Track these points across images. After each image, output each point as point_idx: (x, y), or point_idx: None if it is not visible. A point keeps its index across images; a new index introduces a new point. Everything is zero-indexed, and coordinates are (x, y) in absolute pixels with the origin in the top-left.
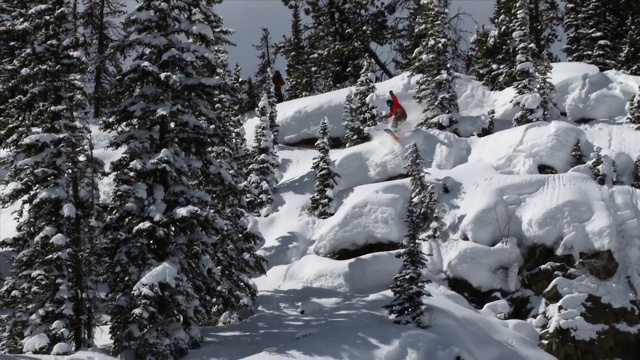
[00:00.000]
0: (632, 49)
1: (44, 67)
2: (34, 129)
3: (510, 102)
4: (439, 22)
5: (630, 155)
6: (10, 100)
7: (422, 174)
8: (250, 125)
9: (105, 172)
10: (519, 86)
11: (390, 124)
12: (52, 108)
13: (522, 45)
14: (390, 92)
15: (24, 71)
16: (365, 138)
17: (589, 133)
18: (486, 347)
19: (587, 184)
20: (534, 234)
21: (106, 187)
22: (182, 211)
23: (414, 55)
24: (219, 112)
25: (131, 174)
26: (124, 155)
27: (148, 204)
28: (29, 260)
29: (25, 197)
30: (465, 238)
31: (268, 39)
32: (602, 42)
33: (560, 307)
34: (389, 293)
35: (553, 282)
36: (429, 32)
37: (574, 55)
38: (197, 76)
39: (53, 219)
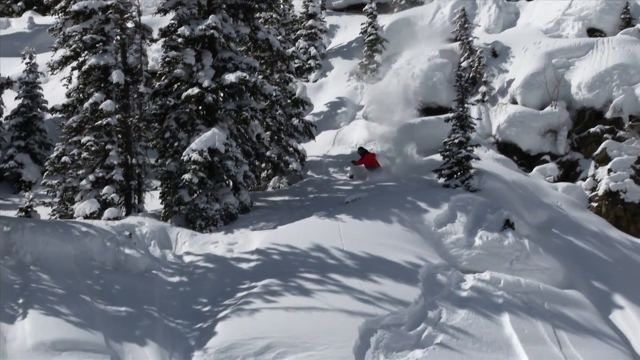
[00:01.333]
0: None
1: None
2: None
3: None
4: None
5: None
6: None
7: (470, 39)
8: None
9: (153, 39)
10: None
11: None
12: None
13: None
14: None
15: None
16: (414, 2)
17: None
18: (535, 210)
19: (636, 47)
20: (583, 97)
21: (154, 53)
22: (230, 77)
23: None
24: None
25: (179, 40)
26: (172, 21)
27: (196, 70)
28: (78, 126)
29: (74, 63)
30: (514, 102)
31: None
32: None
33: (609, 170)
34: (437, 157)
35: (602, 145)
36: None
37: None
38: None
39: (102, 85)
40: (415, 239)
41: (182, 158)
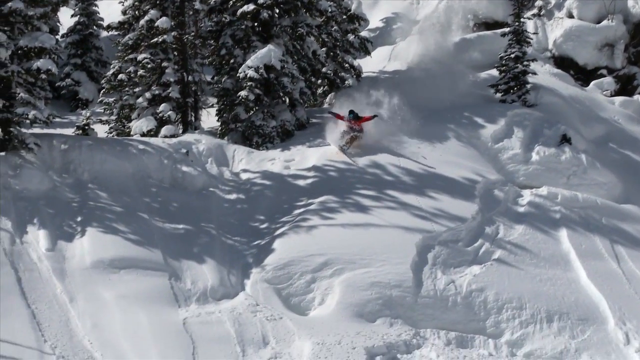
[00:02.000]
0: None
1: None
2: None
3: None
4: None
5: None
6: None
7: None
8: None
9: None
10: None
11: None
12: None
13: None
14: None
15: None
16: None
17: None
18: (592, 125)
19: None
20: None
21: None
22: None
23: None
24: None
25: None
26: None
27: None
28: (134, 43)
29: None
30: (571, 16)
31: None
32: None
33: None
34: (494, 72)
35: None
36: None
37: None
38: None
39: (158, 2)
40: (472, 155)
41: (238, 75)
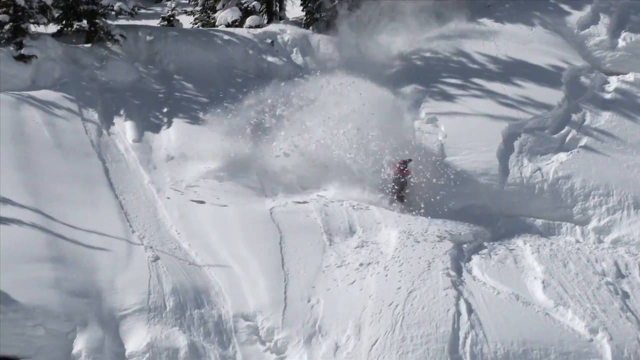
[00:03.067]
0: None
1: None
2: None
3: None
4: None
5: None
6: None
7: None
8: None
9: None
10: None
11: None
12: None
13: None
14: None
15: None
16: None
17: None
18: None
19: None
20: None
21: None
22: None
23: None
24: None
25: None
26: None
27: None
28: None
29: None
30: None
31: None
32: None
33: None
34: None
35: None
36: None
37: None
38: None
39: None
40: (558, 42)
41: None
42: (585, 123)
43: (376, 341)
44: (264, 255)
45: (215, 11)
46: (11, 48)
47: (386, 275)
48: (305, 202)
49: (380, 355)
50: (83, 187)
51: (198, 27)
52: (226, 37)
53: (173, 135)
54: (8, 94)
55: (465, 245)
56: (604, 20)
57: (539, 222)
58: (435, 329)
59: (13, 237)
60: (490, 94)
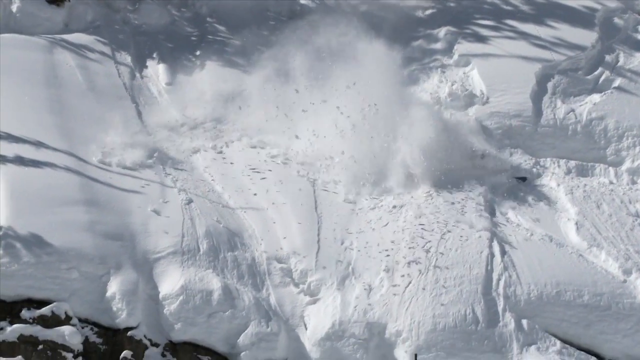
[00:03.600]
0: None
1: None
2: None
3: None
4: None
5: None
6: None
7: None
8: None
9: None
10: None
11: None
12: None
13: None
14: None
15: None
16: None
17: None
18: None
19: None
20: None
21: None
22: None
23: None
24: None
25: None
26: None
27: None
28: None
29: None
30: None
31: None
32: None
33: None
34: None
35: None
36: None
37: None
38: None
39: None
40: None
41: None
42: (619, 64)
43: (409, 283)
44: (297, 198)
45: None
46: None
47: (419, 217)
48: None
49: (414, 297)
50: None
51: None
52: None
53: (206, 77)
54: (41, 37)
55: (498, 188)
56: None
57: (572, 163)
58: (469, 271)
59: (46, 180)
60: (524, 36)
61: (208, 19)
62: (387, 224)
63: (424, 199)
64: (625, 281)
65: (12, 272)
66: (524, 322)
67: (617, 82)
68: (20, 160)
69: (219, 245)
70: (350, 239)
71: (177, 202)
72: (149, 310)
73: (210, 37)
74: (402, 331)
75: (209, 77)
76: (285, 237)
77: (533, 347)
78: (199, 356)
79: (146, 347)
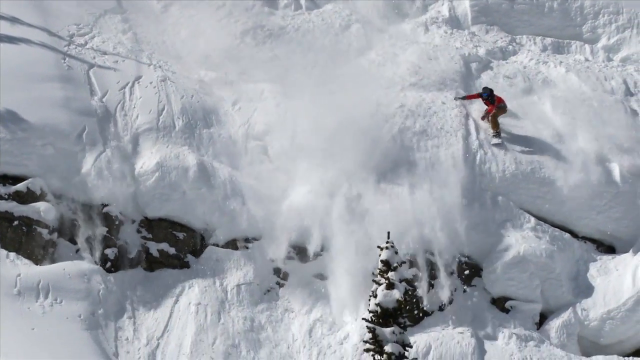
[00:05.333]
0: None
1: None
2: None
3: None
4: None
5: None
6: None
7: None
8: None
9: None
10: None
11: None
12: None
13: None
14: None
15: None
16: None
17: None
18: None
19: None
20: None
21: None
22: None
23: None
24: None
25: None
26: None
27: None
28: None
29: None
30: None
31: None
32: None
33: None
34: None
35: None
36: None
37: None
38: None
39: None
40: None
41: None
42: None
43: None
44: (273, 74)
45: None
46: None
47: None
48: None
49: None
50: (89, 10)
51: None
52: None
53: None
54: None
55: (474, 65)
56: None
57: (548, 40)
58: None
59: (22, 56)
60: None
61: None
62: None
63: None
64: (600, 159)
65: None
66: (500, 199)
67: None
68: None
69: (195, 122)
70: None
71: (152, 79)
72: (124, 187)
73: None
74: None
75: None
76: (261, 115)
77: (508, 224)
78: (174, 232)
79: (122, 224)
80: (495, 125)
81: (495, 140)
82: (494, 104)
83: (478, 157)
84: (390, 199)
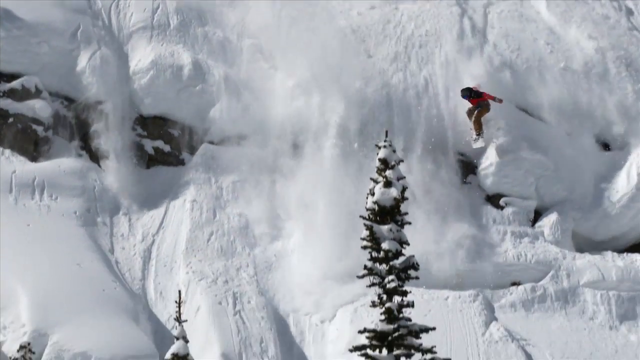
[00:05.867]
0: None
1: None
2: None
3: None
4: None
5: None
6: None
7: None
8: None
9: None
10: None
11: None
12: None
13: None
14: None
15: None
16: None
17: None
18: None
19: None
20: None
21: None
22: None
23: None
24: None
25: None
26: None
27: None
28: None
29: None
30: None
31: None
32: None
33: None
34: None
35: None
36: None
37: None
38: None
39: None
40: None
41: None
42: None
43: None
44: None
45: None
46: None
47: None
48: None
49: None
50: None
51: None
52: None
53: None
54: None
55: None
56: None
57: None
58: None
59: None
60: None
61: None
62: None
63: None
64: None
65: None
66: None
67: None
68: None
69: (189, 21)
70: None
71: None
72: (119, 85)
73: None
74: None
75: None
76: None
77: None
78: (169, 130)
79: (117, 121)
80: (479, 126)
81: (479, 144)
82: (481, 97)
83: None
84: None
